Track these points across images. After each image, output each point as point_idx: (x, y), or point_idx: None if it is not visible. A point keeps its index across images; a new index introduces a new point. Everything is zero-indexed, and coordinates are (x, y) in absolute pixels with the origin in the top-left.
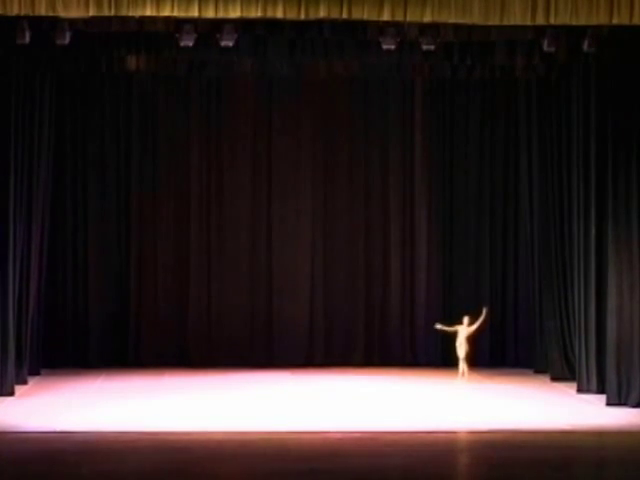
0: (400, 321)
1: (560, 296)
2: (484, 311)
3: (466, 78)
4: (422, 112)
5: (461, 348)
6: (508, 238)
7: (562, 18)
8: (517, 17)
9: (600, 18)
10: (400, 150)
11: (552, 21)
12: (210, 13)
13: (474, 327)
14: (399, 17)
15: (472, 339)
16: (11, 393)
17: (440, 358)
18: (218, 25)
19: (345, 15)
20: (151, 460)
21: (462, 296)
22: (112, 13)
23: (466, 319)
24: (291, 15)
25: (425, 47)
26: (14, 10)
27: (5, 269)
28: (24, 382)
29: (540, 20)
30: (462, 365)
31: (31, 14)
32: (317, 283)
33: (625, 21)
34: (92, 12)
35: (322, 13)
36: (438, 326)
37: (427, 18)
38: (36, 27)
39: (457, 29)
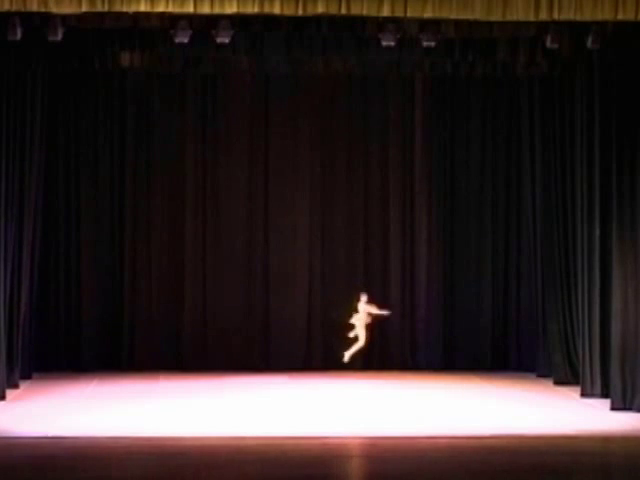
0: (400, 323)
1: (563, 299)
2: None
3: (467, 75)
4: (422, 110)
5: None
6: (510, 239)
7: (566, 13)
8: (520, 13)
9: (605, 13)
10: (400, 149)
11: (556, 17)
12: (206, 9)
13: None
14: (399, 13)
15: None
16: (2, 397)
17: (441, 361)
18: (214, 21)
19: (344, 11)
20: (145, 466)
21: (463, 298)
22: (105, 9)
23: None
24: (288, 11)
25: (425, 44)
26: (5, 6)
27: None
28: (15, 386)
29: (543, 16)
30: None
31: (23, 10)
32: (315, 285)
33: (630, 17)
34: (85, 8)
35: (320, 9)
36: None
37: (428, 14)
38: (28, 23)
39: (458, 25)
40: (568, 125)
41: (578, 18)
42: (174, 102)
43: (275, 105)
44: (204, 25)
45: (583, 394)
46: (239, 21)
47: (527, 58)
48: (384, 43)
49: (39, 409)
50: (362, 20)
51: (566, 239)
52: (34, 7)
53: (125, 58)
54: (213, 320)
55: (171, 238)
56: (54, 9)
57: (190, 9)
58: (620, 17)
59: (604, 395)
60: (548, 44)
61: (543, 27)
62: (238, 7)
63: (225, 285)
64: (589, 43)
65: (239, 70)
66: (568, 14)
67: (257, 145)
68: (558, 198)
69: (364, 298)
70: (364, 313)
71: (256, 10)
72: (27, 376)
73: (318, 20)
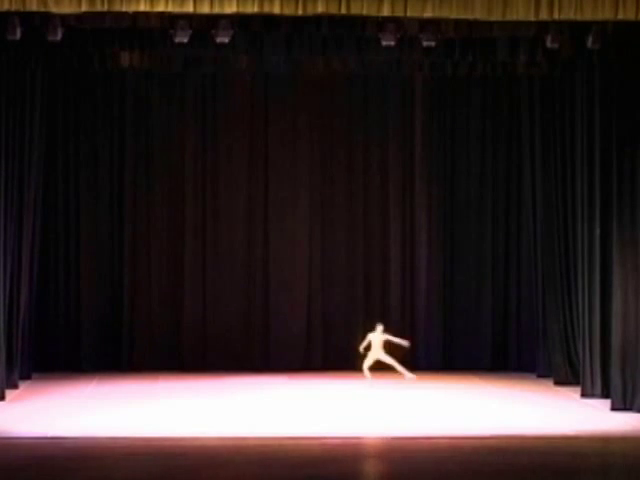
0: (400, 324)
1: (564, 299)
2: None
3: (467, 75)
4: (422, 110)
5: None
6: (510, 239)
7: (566, 13)
8: (520, 12)
9: (605, 13)
10: (400, 149)
11: (556, 16)
12: (205, 9)
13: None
14: (399, 13)
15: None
16: (1, 397)
17: (441, 361)
18: (213, 21)
19: (344, 11)
20: (144, 466)
21: (463, 298)
22: (105, 9)
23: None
24: (288, 11)
25: (425, 43)
26: (4, 5)
27: None
28: (15, 386)
29: (544, 15)
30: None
31: (22, 10)
32: (315, 285)
33: (631, 16)
34: (84, 7)
35: (320, 9)
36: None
37: (428, 13)
38: (27, 23)
39: (458, 25)
40: (568, 125)
41: (578, 18)
42: (174, 102)
43: (275, 105)
44: (204, 25)
45: (583, 394)
46: (239, 21)
47: (527, 58)
48: (384, 43)
49: (38, 410)
50: (362, 20)
51: (566, 239)
52: (33, 7)
53: (125, 58)
54: (213, 320)
55: (171, 238)
56: (53, 9)
57: (190, 9)
58: (620, 17)
59: (604, 395)
60: (548, 44)
61: (543, 27)
62: (238, 7)
63: (225, 285)
64: (589, 43)
65: (239, 70)
66: (568, 14)
67: (257, 145)
68: (558, 198)
69: (380, 328)
70: (380, 343)
71: (256, 10)
72: (26, 376)
73: (318, 20)
